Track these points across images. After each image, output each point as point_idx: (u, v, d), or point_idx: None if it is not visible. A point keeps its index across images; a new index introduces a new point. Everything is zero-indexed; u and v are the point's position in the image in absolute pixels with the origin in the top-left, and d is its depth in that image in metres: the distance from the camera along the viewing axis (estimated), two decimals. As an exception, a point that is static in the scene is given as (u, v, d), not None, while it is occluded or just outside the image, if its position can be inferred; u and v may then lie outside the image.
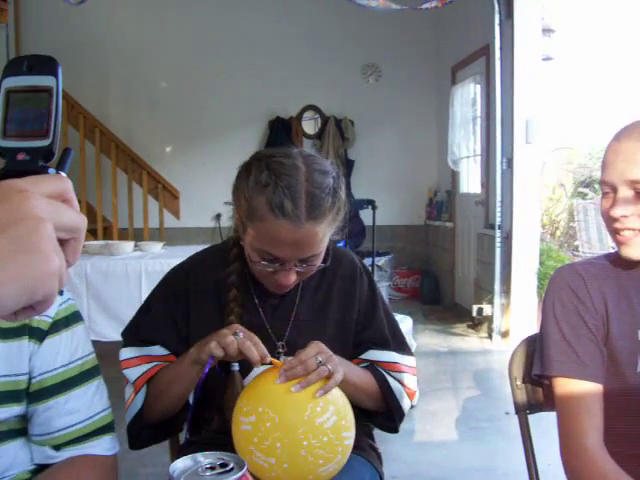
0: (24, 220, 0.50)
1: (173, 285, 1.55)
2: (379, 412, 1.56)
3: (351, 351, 1.55)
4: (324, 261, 1.43)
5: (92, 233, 6.80)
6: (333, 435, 1.21)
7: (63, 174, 0.58)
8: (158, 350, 1.48)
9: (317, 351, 1.29)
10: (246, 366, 1.37)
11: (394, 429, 1.59)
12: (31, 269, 0.49)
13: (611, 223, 1.35)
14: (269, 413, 1.19)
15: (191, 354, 1.35)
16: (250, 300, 1.51)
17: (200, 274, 1.51)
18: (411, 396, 1.57)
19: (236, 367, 1.39)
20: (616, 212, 1.32)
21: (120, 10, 7.71)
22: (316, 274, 1.49)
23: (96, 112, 7.10)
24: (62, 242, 0.53)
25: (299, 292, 1.53)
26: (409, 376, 1.57)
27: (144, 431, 1.47)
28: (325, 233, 1.36)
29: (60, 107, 0.60)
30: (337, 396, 1.27)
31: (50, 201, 0.53)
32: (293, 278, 1.37)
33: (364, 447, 1.56)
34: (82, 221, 0.55)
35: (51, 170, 0.58)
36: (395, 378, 1.54)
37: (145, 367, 1.45)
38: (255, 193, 1.32)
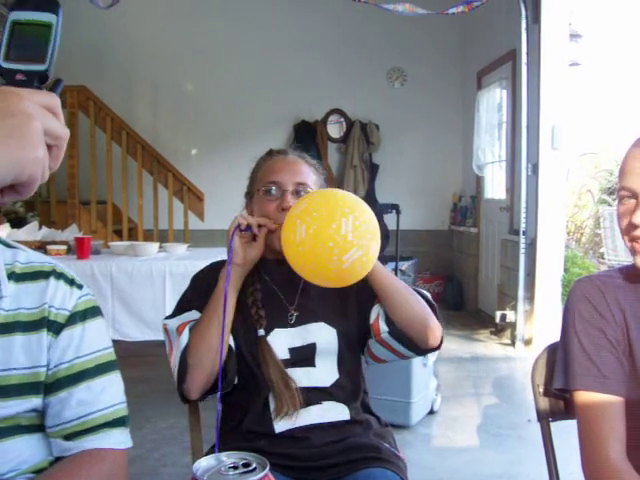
0: (18, 114, 0.59)
1: (203, 276, 1.76)
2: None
3: (355, 312, 1.68)
4: None
5: (117, 234, 6.86)
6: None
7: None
8: (196, 314, 1.62)
9: None
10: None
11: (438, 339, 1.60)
12: (20, 152, 0.58)
13: (630, 230, 1.33)
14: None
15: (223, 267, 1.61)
16: (262, 279, 1.72)
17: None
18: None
19: (262, 332, 1.62)
20: (638, 219, 1.30)
21: (148, 13, 7.80)
22: None
23: (123, 114, 7.18)
24: (47, 148, 0.62)
25: None
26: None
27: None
28: (309, 174, 1.72)
29: (58, 41, 0.69)
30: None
31: (41, 108, 0.62)
32: (292, 202, 1.62)
33: (390, 459, 1.57)
34: (65, 133, 0.64)
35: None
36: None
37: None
38: (258, 161, 1.79)
